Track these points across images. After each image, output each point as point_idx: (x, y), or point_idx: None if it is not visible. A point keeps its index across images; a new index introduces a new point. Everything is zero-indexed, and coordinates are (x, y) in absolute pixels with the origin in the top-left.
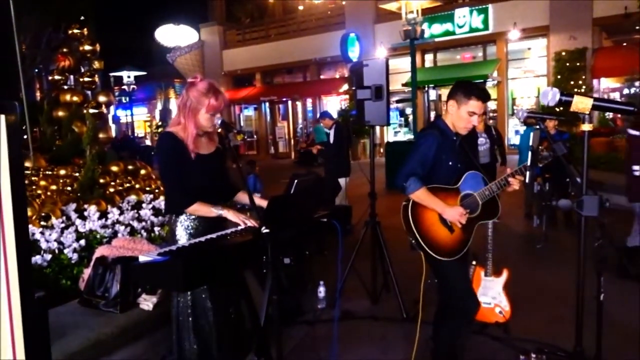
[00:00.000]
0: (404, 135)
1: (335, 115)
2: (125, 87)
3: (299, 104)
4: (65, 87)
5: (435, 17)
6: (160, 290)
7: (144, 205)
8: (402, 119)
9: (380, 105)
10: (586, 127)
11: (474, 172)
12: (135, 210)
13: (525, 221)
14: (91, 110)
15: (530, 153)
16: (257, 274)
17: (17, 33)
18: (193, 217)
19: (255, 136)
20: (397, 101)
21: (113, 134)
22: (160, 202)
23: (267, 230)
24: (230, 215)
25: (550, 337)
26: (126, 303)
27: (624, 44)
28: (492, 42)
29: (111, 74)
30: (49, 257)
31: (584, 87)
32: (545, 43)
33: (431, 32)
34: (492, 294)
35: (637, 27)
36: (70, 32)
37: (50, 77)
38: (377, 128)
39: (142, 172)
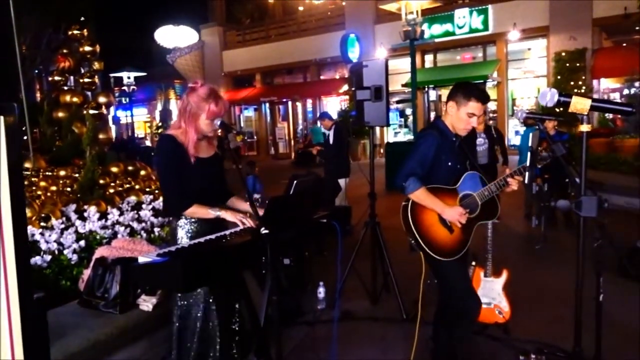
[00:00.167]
0: (404, 136)
1: (335, 116)
2: (125, 87)
3: (299, 104)
4: (65, 88)
5: (435, 18)
6: (160, 291)
7: (143, 206)
8: (402, 119)
9: (380, 106)
10: (584, 127)
11: (473, 172)
12: (135, 211)
13: (525, 222)
14: (91, 111)
15: (529, 154)
16: (257, 275)
17: (17, 34)
18: (193, 220)
19: (255, 137)
20: (397, 102)
21: (113, 135)
22: (160, 203)
23: (266, 231)
24: (228, 215)
25: (550, 337)
26: (126, 304)
27: (624, 44)
28: (492, 43)
29: (111, 75)
30: (48, 257)
31: (584, 87)
32: (545, 43)
33: (431, 32)
34: (491, 294)
35: (637, 28)
36: (70, 32)
37: (50, 78)
38: (377, 129)
39: (142, 173)
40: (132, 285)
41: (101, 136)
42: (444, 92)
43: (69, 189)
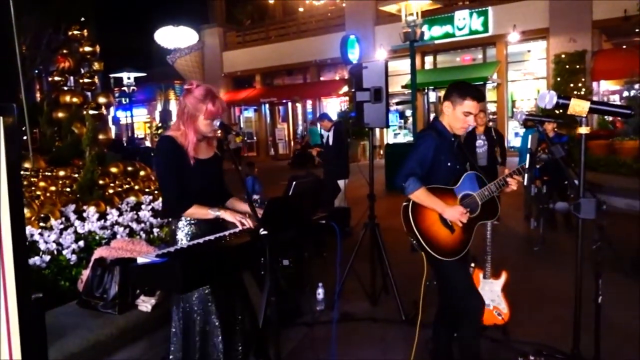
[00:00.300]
0: (404, 137)
1: (335, 117)
2: (125, 88)
3: (298, 105)
4: (65, 88)
5: (435, 20)
6: (159, 291)
7: (143, 206)
8: (402, 121)
9: (380, 107)
10: (583, 129)
11: (472, 172)
12: (134, 212)
13: (525, 223)
14: (91, 112)
15: (528, 155)
16: (256, 276)
17: (17, 34)
18: (193, 221)
19: (255, 138)
20: (397, 103)
21: (113, 135)
22: (160, 204)
23: (265, 232)
24: (227, 216)
25: (549, 339)
26: (125, 304)
27: (624, 46)
28: (492, 45)
29: (111, 75)
30: (47, 258)
31: (583, 89)
32: (545, 45)
33: (431, 34)
34: (490, 296)
35: (637, 30)
36: (70, 33)
37: (50, 78)
38: (377, 130)
39: (142, 173)
40: (131, 285)
41: (101, 137)
42: (444, 94)
43: (68, 190)
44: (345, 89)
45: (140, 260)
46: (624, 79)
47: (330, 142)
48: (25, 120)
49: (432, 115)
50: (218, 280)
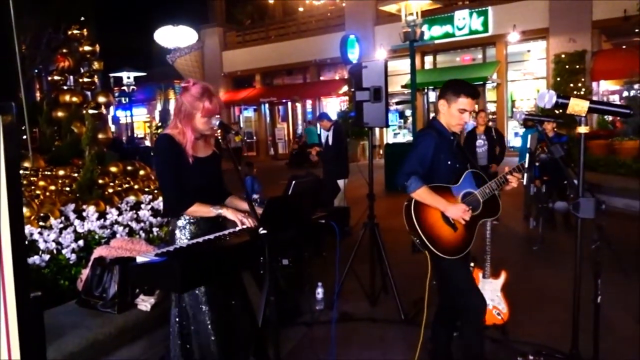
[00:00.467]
0: (404, 137)
1: (334, 117)
2: (124, 87)
3: (298, 105)
4: (65, 87)
5: (435, 19)
6: (158, 291)
7: (142, 206)
8: (402, 120)
9: (379, 107)
10: (582, 129)
11: (472, 171)
12: (134, 211)
13: (524, 223)
14: (90, 111)
15: (527, 155)
16: (255, 275)
17: (17, 33)
18: (192, 220)
19: (254, 137)
20: (397, 103)
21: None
22: (159, 203)
23: (264, 232)
24: (229, 214)
25: (548, 338)
26: (124, 304)
27: (624, 46)
28: (492, 45)
29: (111, 75)
30: (47, 257)
31: (583, 89)
32: (544, 45)
33: (431, 34)
34: (490, 295)
35: (637, 30)
36: (70, 32)
37: (49, 78)
38: (377, 130)
39: (141, 172)
40: (130, 285)
41: (100, 136)
42: (439, 93)
43: (68, 189)
44: (345, 88)
45: (140, 259)
46: (623, 79)
47: (330, 142)
48: (24, 119)
49: (431, 115)
50: (217, 280)
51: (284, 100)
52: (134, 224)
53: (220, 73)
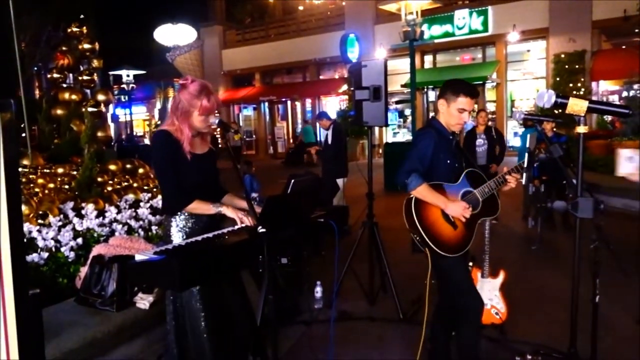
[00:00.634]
0: (403, 136)
1: (334, 116)
2: (124, 86)
3: (298, 104)
4: (64, 85)
5: (434, 19)
6: (157, 289)
7: (141, 204)
8: (401, 120)
9: (379, 106)
10: (581, 129)
11: (472, 170)
12: (133, 209)
13: (523, 223)
14: (90, 109)
15: (526, 155)
16: (254, 274)
17: (16, 31)
18: (188, 216)
19: (254, 136)
20: (396, 102)
21: (112, 133)
22: (158, 201)
23: (263, 230)
24: (228, 211)
25: (547, 338)
26: (123, 302)
27: (623, 46)
28: (492, 44)
29: (110, 73)
30: (45, 255)
31: (582, 89)
32: (544, 45)
33: (431, 33)
34: (488, 295)
35: (636, 30)
36: (69, 30)
37: (49, 76)
38: (376, 129)
39: (140, 171)
40: (129, 283)
41: (100, 134)
42: (439, 92)
43: (66, 187)
44: (344, 87)
45: (138, 257)
46: (623, 79)
47: (329, 141)
48: (24, 117)
49: (431, 115)
50: (216, 278)
51: (283, 99)
52: (132, 222)
53: (219, 71)
